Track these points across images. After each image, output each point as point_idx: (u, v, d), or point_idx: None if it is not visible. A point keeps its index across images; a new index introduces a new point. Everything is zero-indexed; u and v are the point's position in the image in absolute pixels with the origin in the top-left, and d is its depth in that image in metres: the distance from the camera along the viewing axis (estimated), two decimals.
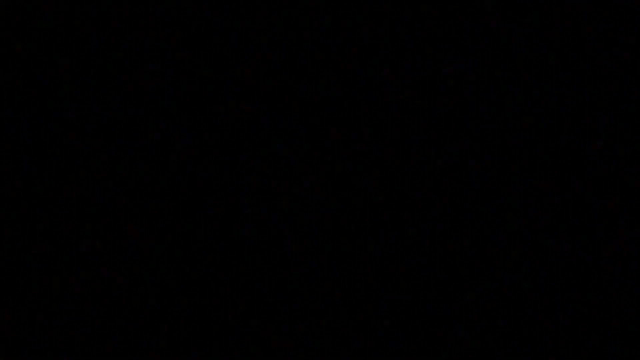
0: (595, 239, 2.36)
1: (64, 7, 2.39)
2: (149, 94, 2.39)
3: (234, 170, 2.38)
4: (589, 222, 2.36)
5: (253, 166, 2.38)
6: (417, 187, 2.37)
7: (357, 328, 2.34)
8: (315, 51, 2.40)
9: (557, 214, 2.37)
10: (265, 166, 2.38)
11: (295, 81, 2.40)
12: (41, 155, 2.36)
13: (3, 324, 2.32)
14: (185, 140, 2.38)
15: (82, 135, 2.37)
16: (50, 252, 2.35)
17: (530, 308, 2.34)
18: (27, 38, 2.38)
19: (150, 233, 2.35)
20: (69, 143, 2.37)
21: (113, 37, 2.39)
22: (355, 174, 2.38)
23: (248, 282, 2.35)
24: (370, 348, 2.34)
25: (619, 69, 2.40)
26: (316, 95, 2.39)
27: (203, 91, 2.40)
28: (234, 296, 2.35)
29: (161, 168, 2.37)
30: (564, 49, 2.40)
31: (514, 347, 2.34)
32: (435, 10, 2.40)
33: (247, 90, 2.40)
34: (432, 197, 2.37)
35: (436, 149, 2.38)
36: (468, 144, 2.38)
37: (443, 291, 2.35)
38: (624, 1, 2.40)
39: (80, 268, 2.34)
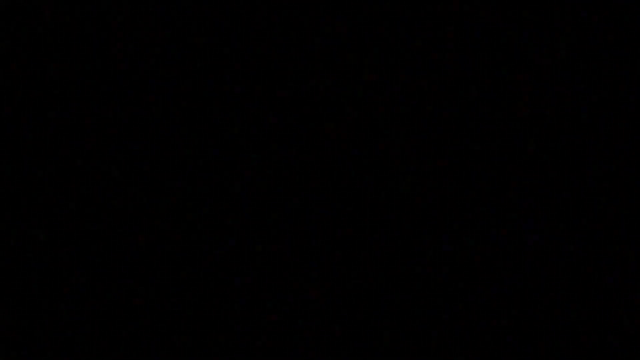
0: (596, 239, 2.36)
1: (64, 7, 2.39)
2: (148, 93, 2.39)
3: (234, 170, 2.38)
4: (590, 222, 2.36)
5: (253, 166, 2.38)
6: (417, 187, 2.37)
7: (358, 328, 2.34)
8: (315, 51, 2.40)
9: (557, 214, 2.37)
10: (266, 166, 2.38)
11: (295, 81, 2.40)
12: (41, 155, 2.37)
13: (3, 324, 2.32)
14: (185, 140, 2.38)
15: (82, 135, 2.37)
16: (50, 251, 2.35)
17: (530, 308, 2.34)
18: (27, 38, 2.39)
19: (150, 233, 2.36)
20: (69, 143, 2.37)
21: (113, 37, 2.39)
22: (355, 173, 2.38)
23: (247, 282, 2.35)
24: (371, 348, 2.34)
25: (619, 69, 2.40)
26: (316, 96, 2.39)
27: (203, 91, 2.40)
28: (233, 296, 2.35)
29: (161, 168, 2.37)
30: (564, 48, 2.40)
31: (514, 347, 2.34)
32: (435, 10, 2.40)
33: (247, 90, 2.40)
34: (432, 197, 2.38)
35: (436, 149, 2.38)
36: (468, 144, 2.38)
37: (443, 291, 2.35)
38: (624, 1, 2.40)
39: (80, 268, 2.34)
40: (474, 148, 2.38)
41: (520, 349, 2.33)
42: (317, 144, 2.38)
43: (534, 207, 2.37)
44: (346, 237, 2.36)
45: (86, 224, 2.35)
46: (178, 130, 2.38)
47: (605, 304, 2.34)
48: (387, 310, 2.34)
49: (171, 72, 2.39)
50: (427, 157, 2.38)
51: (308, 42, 2.40)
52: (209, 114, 2.39)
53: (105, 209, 2.36)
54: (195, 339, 2.33)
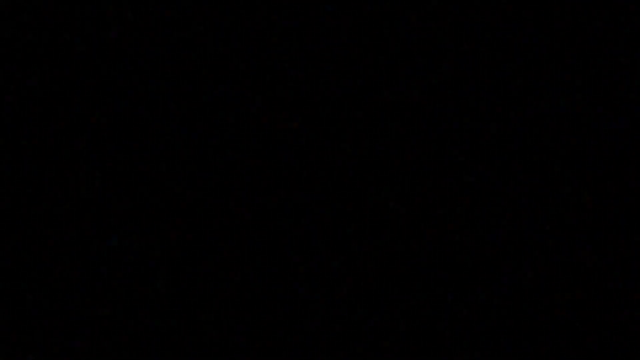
0: (596, 239, 2.36)
1: (64, 7, 2.39)
2: (148, 93, 2.39)
3: (234, 170, 2.38)
4: (589, 222, 2.37)
5: (253, 166, 2.38)
6: (417, 187, 2.38)
7: (357, 328, 2.34)
8: (315, 51, 2.40)
9: (557, 214, 2.37)
10: (265, 166, 2.38)
11: (295, 81, 2.40)
12: (41, 155, 2.37)
13: (3, 324, 2.32)
14: (185, 140, 2.38)
15: (82, 135, 2.37)
16: (50, 251, 2.35)
17: (530, 308, 2.34)
18: (27, 38, 2.39)
19: (150, 233, 2.36)
20: (69, 143, 2.37)
21: (113, 36, 2.39)
22: (355, 174, 2.38)
23: (248, 282, 2.35)
24: (370, 348, 2.34)
25: (619, 69, 2.40)
26: (316, 95, 2.39)
27: (203, 91, 2.40)
28: (233, 296, 2.35)
29: (161, 168, 2.37)
30: (563, 49, 2.40)
31: (514, 347, 2.34)
32: (435, 10, 2.40)
33: (247, 90, 2.40)
34: (432, 197, 2.38)
35: (436, 148, 2.38)
36: (468, 144, 2.39)
37: (443, 291, 2.35)
38: (624, 1, 2.40)
39: (80, 268, 2.34)
40: (474, 148, 2.38)
41: (520, 349, 2.33)
42: (317, 144, 2.38)
43: (534, 207, 2.37)
44: (346, 237, 2.37)
45: (86, 224, 2.35)
46: (178, 130, 2.38)
47: (605, 304, 2.34)
48: (387, 310, 2.34)
49: (171, 72, 2.40)
50: (427, 157, 2.38)
51: (308, 42, 2.40)
52: (209, 114, 2.39)
53: (105, 209, 2.36)
54: (195, 339, 2.33)
